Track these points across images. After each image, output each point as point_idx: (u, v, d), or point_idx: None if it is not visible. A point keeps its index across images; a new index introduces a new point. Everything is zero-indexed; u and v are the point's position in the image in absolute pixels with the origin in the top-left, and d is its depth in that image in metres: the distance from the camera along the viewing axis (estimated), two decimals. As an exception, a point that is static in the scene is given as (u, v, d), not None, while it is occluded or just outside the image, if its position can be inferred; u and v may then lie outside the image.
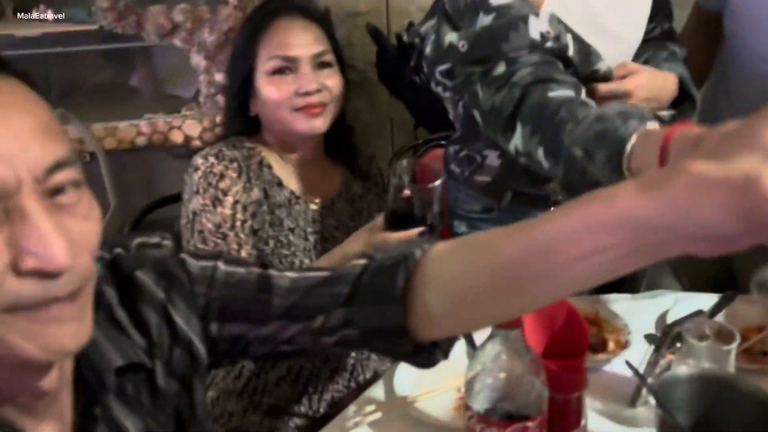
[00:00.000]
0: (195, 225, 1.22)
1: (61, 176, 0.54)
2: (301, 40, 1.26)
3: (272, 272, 0.77)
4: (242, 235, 1.22)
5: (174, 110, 2.65)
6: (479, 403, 0.80)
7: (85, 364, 0.65)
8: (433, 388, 1.11)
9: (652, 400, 1.01)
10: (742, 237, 0.45)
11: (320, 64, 1.27)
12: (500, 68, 1.17)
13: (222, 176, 1.23)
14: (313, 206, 1.34)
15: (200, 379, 0.76)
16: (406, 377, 1.14)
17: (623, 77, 1.26)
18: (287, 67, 1.25)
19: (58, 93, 2.78)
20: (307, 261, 1.31)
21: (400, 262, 0.71)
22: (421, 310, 0.69)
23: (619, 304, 1.32)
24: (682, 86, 1.32)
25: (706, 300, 1.29)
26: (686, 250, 0.48)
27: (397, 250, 0.73)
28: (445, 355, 0.77)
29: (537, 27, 1.17)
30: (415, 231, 1.10)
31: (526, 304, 0.66)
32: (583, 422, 0.93)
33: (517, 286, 0.60)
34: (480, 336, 1.03)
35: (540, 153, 1.09)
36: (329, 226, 1.35)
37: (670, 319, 1.20)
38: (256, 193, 1.26)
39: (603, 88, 1.24)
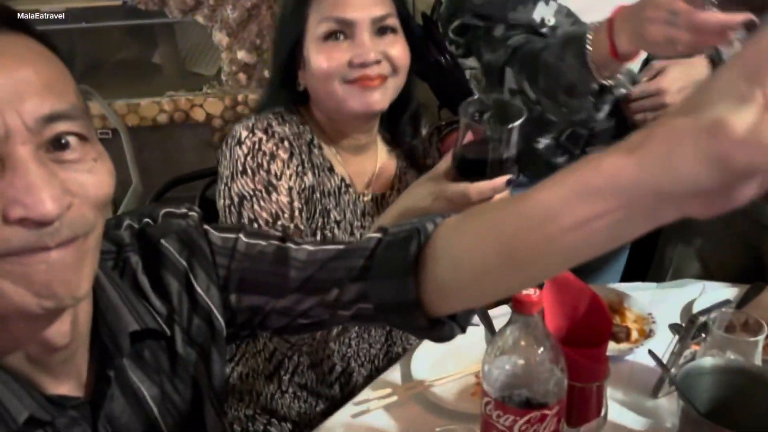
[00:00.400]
0: (244, 211, 1.07)
1: (60, 128, 0.55)
2: (359, 0, 1.08)
3: (290, 245, 0.78)
4: (302, 226, 1.09)
5: (196, 88, 2.66)
6: (496, 390, 0.78)
7: (103, 326, 0.66)
8: (450, 373, 1.10)
9: (675, 391, 0.99)
10: (724, 190, 0.44)
11: (381, 30, 1.09)
12: (499, 30, 1.30)
13: (273, 157, 1.08)
14: (364, 198, 1.20)
15: (219, 350, 0.77)
16: (424, 361, 1.13)
17: (653, 78, 1.31)
18: (341, 31, 1.07)
19: (82, 69, 2.79)
20: None
21: (412, 236, 0.71)
22: (432, 284, 0.69)
23: (645, 292, 1.29)
24: (713, 65, 1.32)
25: (734, 290, 1.26)
26: (681, 213, 0.47)
27: (410, 223, 0.73)
28: (463, 330, 0.76)
29: (541, 12, 1.27)
30: (501, 180, 0.95)
31: (530, 276, 0.65)
32: (603, 412, 0.91)
33: (519, 258, 0.60)
34: (499, 321, 1.01)
35: (526, 84, 1.24)
36: None
37: (696, 309, 1.18)
38: (309, 177, 1.12)
39: (636, 90, 1.30)
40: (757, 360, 0.95)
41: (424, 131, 1.31)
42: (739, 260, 1.50)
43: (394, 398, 1.06)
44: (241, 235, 0.78)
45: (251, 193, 1.07)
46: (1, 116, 0.52)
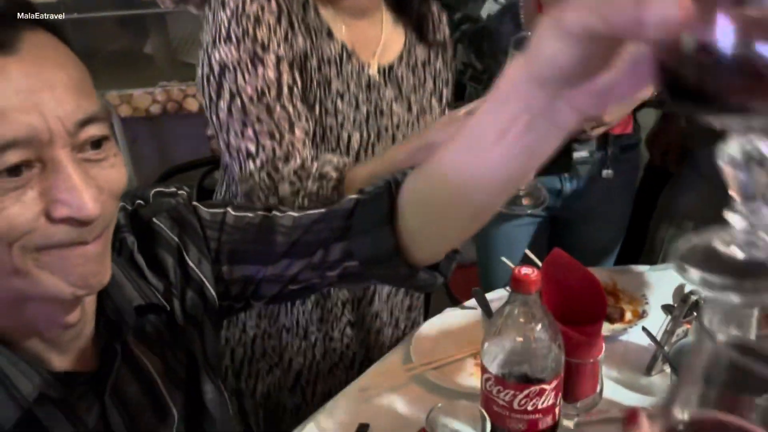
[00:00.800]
0: (225, 82, 0.97)
1: (92, 131, 0.57)
2: None
3: (276, 213, 0.81)
4: (291, 108, 0.99)
5: (188, 78, 2.64)
6: (496, 367, 0.80)
7: (108, 303, 0.69)
8: (450, 354, 1.12)
9: (668, 369, 1.01)
10: (591, 69, 0.44)
11: None
12: (458, 15, 1.50)
13: (258, 21, 0.97)
14: (369, 69, 1.09)
15: (211, 322, 0.80)
16: (423, 343, 1.15)
17: None
18: None
19: (74, 60, 2.78)
20: (357, 136, 1.08)
21: (384, 190, 0.73)
22: (406, 232, 0.72)
23: (638, 275, 1.31)
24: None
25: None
26: (576, 112, 0.47)
27: (383, 179, 0.75)
28: (445, 277, 0.79)
29: (488, 8, 1.46)
30: None
31: (480, 207, 0.64)
32: (598, 389, 0.94)
33: (463, 188, 0.60)
34: (496, 305, 1.03)
35: (473, 57, 1.45)
36: (387, 96, 1.11)
37: (688, 290, 1.20)
38: (300, 42, 1.01)
39: None
40: (751, 335, 0.97)
41: (434, 8, 1.22)
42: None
43: (396, 380, 1.08)
44: (229, 209, 0.81)
45: (235, 64, 0.97)
46: (45, 121, 0.54)
